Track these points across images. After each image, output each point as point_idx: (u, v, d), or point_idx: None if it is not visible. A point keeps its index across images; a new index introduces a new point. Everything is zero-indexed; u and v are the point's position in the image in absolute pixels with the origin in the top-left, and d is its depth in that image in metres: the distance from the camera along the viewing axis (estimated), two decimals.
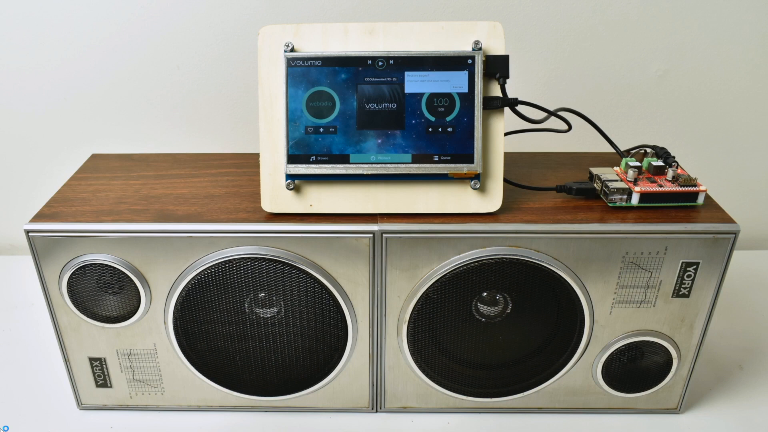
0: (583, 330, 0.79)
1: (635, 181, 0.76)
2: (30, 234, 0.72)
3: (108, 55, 1.10)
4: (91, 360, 0.82)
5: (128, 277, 0.74)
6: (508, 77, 0.72)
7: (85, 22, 1.07)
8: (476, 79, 0.71)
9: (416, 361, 0.81)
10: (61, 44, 1.09)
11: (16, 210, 1.25)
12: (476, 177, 0.73)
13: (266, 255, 0.73)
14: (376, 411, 0.87)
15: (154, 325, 0.78)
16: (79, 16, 1.06)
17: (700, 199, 0.76)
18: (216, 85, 1.12)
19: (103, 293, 0.76)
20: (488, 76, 0.72)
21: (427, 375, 0.82)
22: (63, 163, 1.15)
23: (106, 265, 0.74)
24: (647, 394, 0.85)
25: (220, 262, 0.73)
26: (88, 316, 0.77)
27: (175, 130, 1.16)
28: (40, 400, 0.88)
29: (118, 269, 0.74)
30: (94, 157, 0.89)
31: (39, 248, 0.73)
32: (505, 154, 0.75)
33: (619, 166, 0.81)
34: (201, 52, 1.10)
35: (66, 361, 0.82)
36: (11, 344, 1.00)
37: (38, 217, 0.74)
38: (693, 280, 0.76)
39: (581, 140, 0.89)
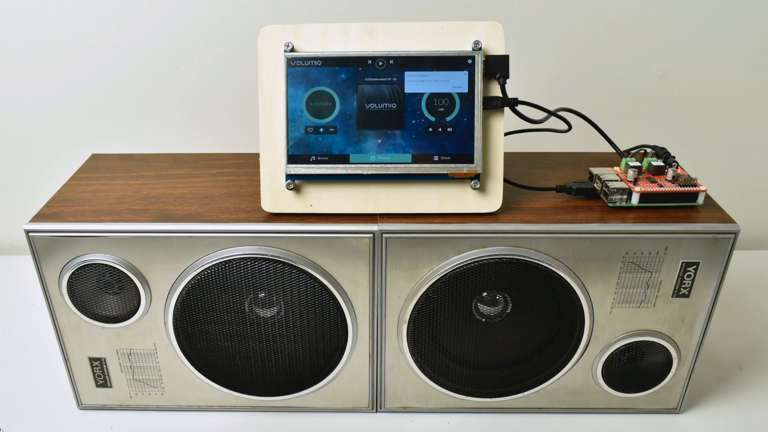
0: (583, 330, 0.79)
1: (635, 181, 0.76)
2: (30, 234, 0.72)
3: (108, 55, 1.10)
4: (91, 360, 0.82)
5: (128, 277, 0.74)
6: (508, 77, 0.72)
7: (85, 22, 1.07)
8: (476, 79, 0.71)
9: (416, 361, 0.81)
10: (61, 44, 1.09)
11: (16, 210, 1.25)
12: (476, 177, 0.73)
13: (266, 255, 0.73)
14: (376, 411, 0.87)
15: (154, 325, 0.78)
16: (79, 17, 1.07)
17: (700, 199, 0.76)
18: (216, 85, 1.12)
19: (103, 293, 0.76)
20: (488, 76, 0.72)
21: (427, 375, 0.82)
22: (63, 163, 1.16)
23: (106, 265, 0.74)
24: (647, 394, 0.85)
25: (220, 262, 0.73)
26: (88, 316, 0.77)
27: (175, 130, 1.16)
28: (40, 400, 0.88)
29: (118, 269, 0.74)
30: (94, 157, 0.89)
31: (39, 248, 0.73)
32: (505, 154, 0.75)
33: (619, 166, 0.81)
34: (201, 52, 1.10)
35: (66, 361, 0.82)
36: (11, 344, 1.00)
37: (38, 217, 0.74)
38: (693, 280, 0.76)
39: (581, 140, 0.89)
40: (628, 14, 1.09)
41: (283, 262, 0.73)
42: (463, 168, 0.72)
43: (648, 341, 0.80)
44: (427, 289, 0.75)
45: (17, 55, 1.10)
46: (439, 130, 0.71)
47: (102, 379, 0.83)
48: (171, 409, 0.86)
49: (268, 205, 0.74)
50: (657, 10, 1.08)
